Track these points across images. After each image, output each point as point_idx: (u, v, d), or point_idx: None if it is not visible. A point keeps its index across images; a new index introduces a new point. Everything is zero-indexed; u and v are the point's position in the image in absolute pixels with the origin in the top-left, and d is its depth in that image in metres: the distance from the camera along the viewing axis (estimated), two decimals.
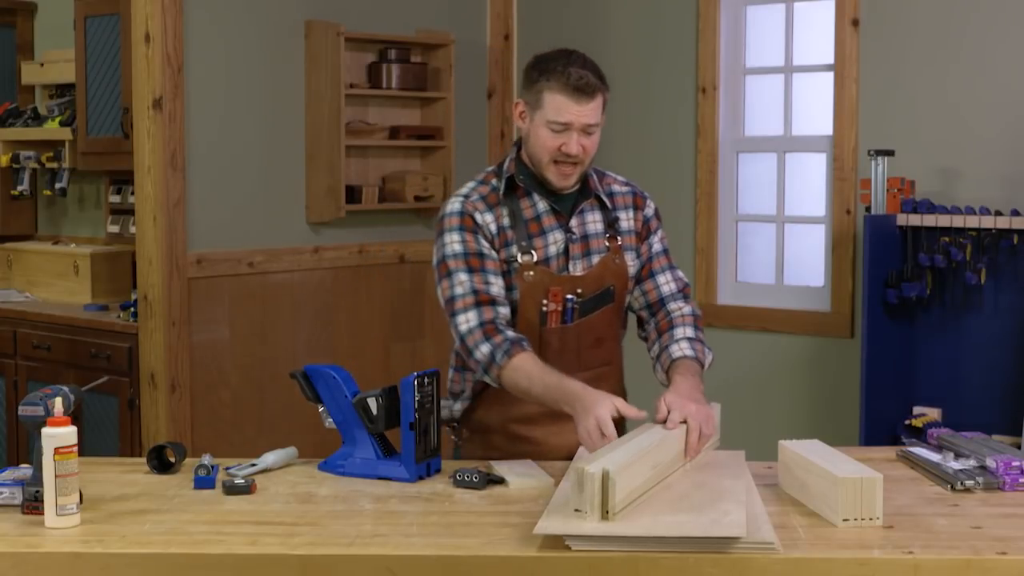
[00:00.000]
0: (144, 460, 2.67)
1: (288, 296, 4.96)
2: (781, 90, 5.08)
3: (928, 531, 2.22)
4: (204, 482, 2.52)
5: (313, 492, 2.51)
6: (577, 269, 2.83)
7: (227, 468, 2.62)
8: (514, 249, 2.80)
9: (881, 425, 4.30)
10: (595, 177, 2.90)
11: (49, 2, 6.18)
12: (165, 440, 3.21)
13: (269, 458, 2.67)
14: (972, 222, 4.20)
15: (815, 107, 4.97)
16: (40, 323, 5.28)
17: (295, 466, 2.71)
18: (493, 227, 2.81)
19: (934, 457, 2.64)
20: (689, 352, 2.78)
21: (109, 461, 2.87)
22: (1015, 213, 4.18)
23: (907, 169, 4.44)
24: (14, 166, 5.96)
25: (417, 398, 2.58)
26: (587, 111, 2.72)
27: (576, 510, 2.16)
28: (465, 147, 5.52)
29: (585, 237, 2.85)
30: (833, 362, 4.84)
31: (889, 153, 4.35)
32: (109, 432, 4.88)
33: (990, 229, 4.17)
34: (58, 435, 2.24)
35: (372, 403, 2.62)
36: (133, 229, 4.97)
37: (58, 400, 2.29)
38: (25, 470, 2.46)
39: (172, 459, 2.65)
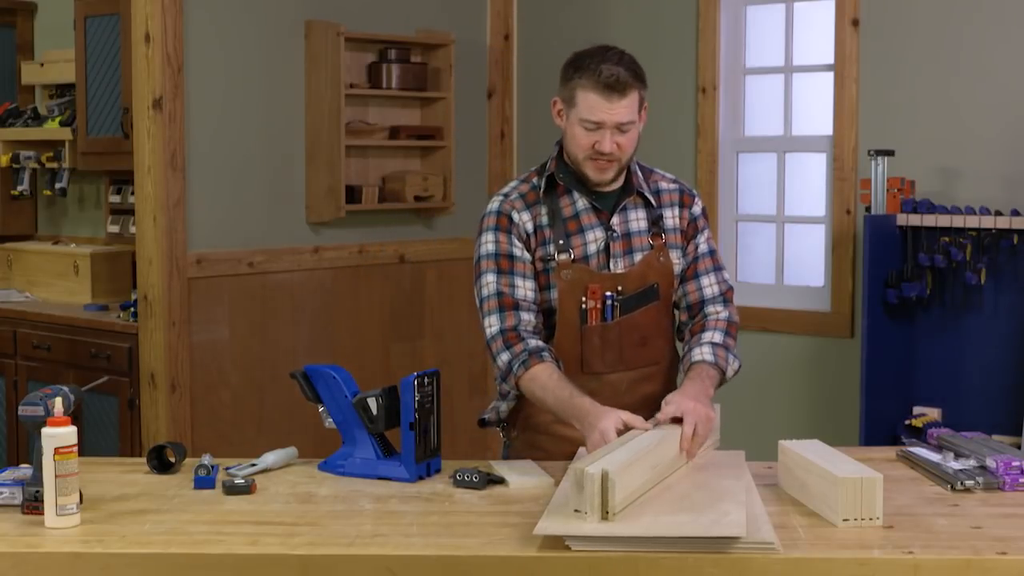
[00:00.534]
0: (144, 460, 2.67)
1: (288, 296, 4.96)
2: (781, 90, 5.08)
3: (928, 531, 2.22)
4: (204, 482, 2.52)
5: (313, 492, 2.51)
6: (619, 267, 2.81)
7: (227, 468, 2.62)
8: (551, 247, 2.79)
9: (881, 425, 4.30)
10: (640, 174, 2.87)
11: (49, 2, 6.18)
12: (165, 440, 3.22)
13: (269, 458, 2.67)
14: (972, 222, 4.20)
15: (815, 107, 4.97)
16: (40, 323, 5.28)
17: (295, 466, 2.71)
18: (529, 225, 2.80)
19: (934, 457, 2.64)
20: (709, 357, 2.77)
21: (109, 461, 2.87)
22: (1015, 213, 4.18)
23: (907, 169, 4.44)
24: (14, 166, 5.96)
25: (417, 398, 2.58)
26: (619, 109, 2.70)
27: (576, 510, 2.16)
28: (465, 147, 5.52)
29: (628, 235, 2.83)
30: (833, 362, 4.84)
31: (889, 153, 4.35)
32: (109, 432, 4.88)
33: (990, 229, 4.17)
34: (58, 435, 2.24)
35: (372, 403, 2.62)
36: (133, 229, 4.97)
37: (58, 400, 2.29)
38: (25, 470, 2.46)
39: (172, 459, 2.65)
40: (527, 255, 2.80)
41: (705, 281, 2.89)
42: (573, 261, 2.79)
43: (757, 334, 4.96)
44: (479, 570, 2.10)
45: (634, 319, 2.81)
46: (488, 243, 2.81)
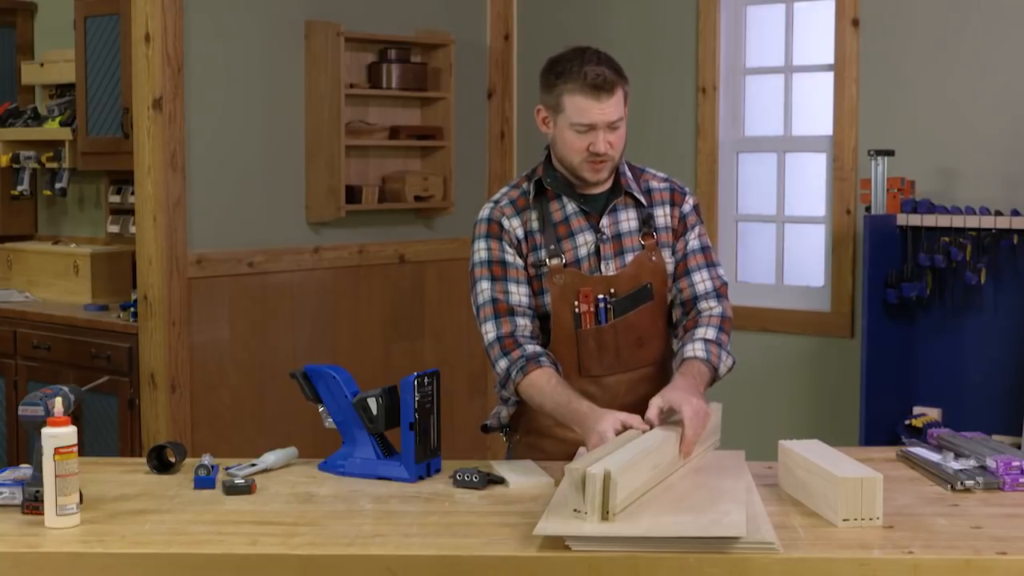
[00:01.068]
0: (144, 460, 2.67)
1: (288, 296, 4.96)
2: (781, 90, 5.08)
3: (928, 531, 2.22)
4: (204, 482, 2.52)
5: (313, 492, 2.51)
6: (610, 269, 2.81)
7: (227, 468, 2.62)
8: (543, 253, 2.79)
9: (881, 425, 4.30)
10: (630, 174, 2.87)
11: (49, 2, 6.17)
12: (165, 440, 3.21)
13: (269, 458, 2.67)
14: (972, 222, 4.20)
15: (815, 107, 4.97)
16: (40, 323, 5.28)
17: (295, 466, 2.71)
18: (520, 232, 2.81)
19: (934, 457, 2.64)
20: (701, 353, 2.74)
21: (109, 461, 2.87)
22: (1015, 213, 4.18)
23: (907, 169, 4.44)
24: (14, 166, 5.96)
25: (417, 398, 2.58)
26: (609, 108, 2.70)
27: (575, 511, 2.16)
28: (465, 147, 5.52)
29: (618, 236, 2.82)
30: (833, 362, 4.84)
31: (889, 153, 4.35)
32: (109, 432, 4.88)
33: (990, 229, 4.17)
34: (58, 435, 2.24)
35: (372, 403, 2.62)
36: (133, 229, 4.97)
37: (58, 400, 2.29)
38: (25, 470, 2.46)
39: (172, 459, 2.65)
40: (519, 261, 2.80)
41: (697, 277, 2.86)
42: (565, 266, 2.78)
43: (757, 334, 4.96)
44: (479, 570, 2.10)
45: (629, 320, 2.80)
46: (480, 251, 2.81)
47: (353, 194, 5.06)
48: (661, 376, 2.86)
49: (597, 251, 2.81)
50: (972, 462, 2.56)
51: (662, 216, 2.87)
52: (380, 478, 2.59)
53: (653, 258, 2.83)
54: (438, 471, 2.63)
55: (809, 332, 4.92)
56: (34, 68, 6.03)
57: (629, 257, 2.82)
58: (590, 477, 2.13)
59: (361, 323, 5.21)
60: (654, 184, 2.90)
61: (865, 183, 4.42)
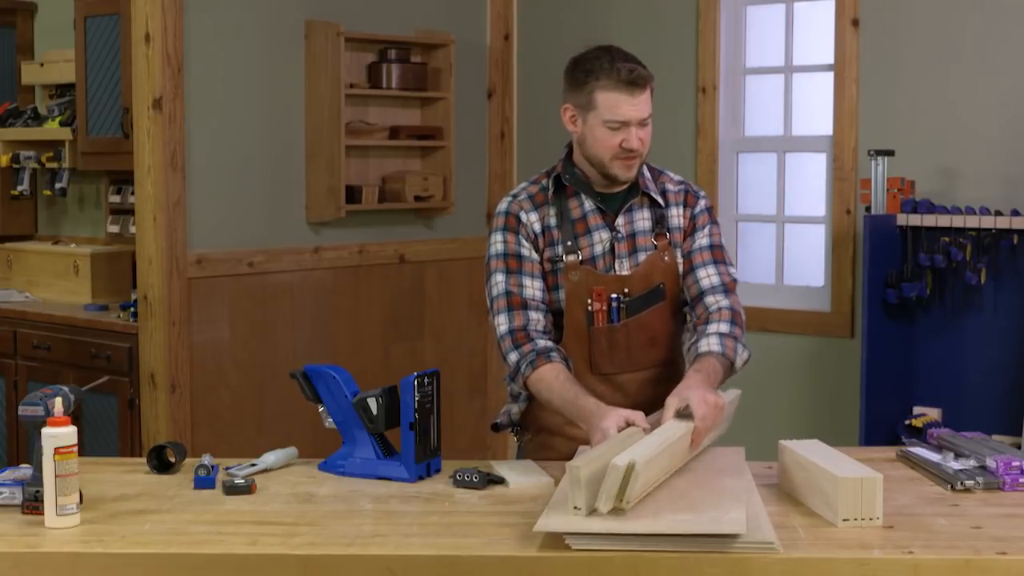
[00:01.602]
0: (144, 460, 2.67)
1: (288, 296, 4.96)
2: (781, 90, 5.08)
3: (928, 531, 2.22)
4: (204, 482, 2.52)
5: (313, 492, 2.51)
6: (624, 268, 2.82)
7: (227, 468, 2.62)
8: (560, 249, 2.80)
9: (881, 425, 4.30)
10: (648, 175, 2.88)
11: (49, 2, 6.17)
12: (165, 440, 3.21)
13: (269, 458, 2.67)
14: (972, 222, 4.20)
15: (815, 107, 4.97)
16: (40, 323, 5.27)
17: (295, 466, 2.71)
18: (537, 226, 2.82)
19: (934, 457, 2.64)
20: (716, 348, 2.74)
21: (109, 461, 2.88)
22: (1015, 213, 4.18)
23: (907, 169, 4.44)
24: (14, 166, 5.96)
25: (417, 398, 2.58)
26: (641, 103, 2.71)
27: (575, 508, 2.15)
28: (465, 147, 5.52)
29: (632, 235, 2.84)
30: (833, 362, 4.84)
31: (889, 153, 4.35)
32: (109, 432, 4.88)
33: (990, 229, 4.17)
34: (58, 435, 2.24)
35: (372, 403, 2.62)
36: (133, 229, 4.97)
37: (58, 400, 2.29)
38: (25, 470, 2.46)
39: (172, 459, 2.65)
40: (535, 255, 2.81)
41: (702, 273, 2.86)
42: (581, 262, 2.80)
43: (757, 334, 4.94)
44: (479, 570, 2.10)
45: (642, 320, 2.81)
46: (497, 243, 2.82)
47: (353, 194, 5.06)
48: (672, 376, 2.85)
49: (612, 249, 2.82)
50: (972, 462, 2.56)
51: (676, 217, 2.89)
52: (380, 478, 2.59)
53: (665, 258, 2.85)
54: (438, 471, 2.63)
55: (809, 332, 4.92)
56: (34, 68, 6.03)
57: (642, 256, 2.83)
58: (613, 467, 2.12)
59: (361, 323, 5.21)
60: (670, 186, 2.91)
61: (865, 183, 4.42)
